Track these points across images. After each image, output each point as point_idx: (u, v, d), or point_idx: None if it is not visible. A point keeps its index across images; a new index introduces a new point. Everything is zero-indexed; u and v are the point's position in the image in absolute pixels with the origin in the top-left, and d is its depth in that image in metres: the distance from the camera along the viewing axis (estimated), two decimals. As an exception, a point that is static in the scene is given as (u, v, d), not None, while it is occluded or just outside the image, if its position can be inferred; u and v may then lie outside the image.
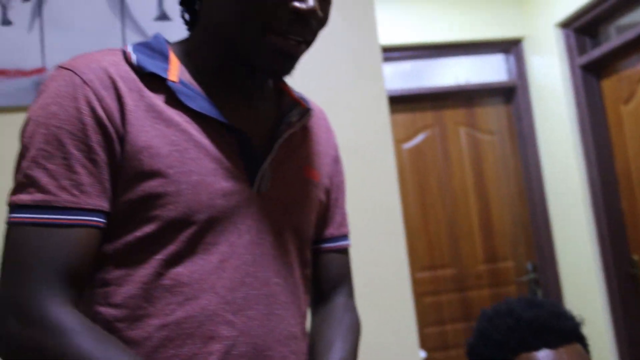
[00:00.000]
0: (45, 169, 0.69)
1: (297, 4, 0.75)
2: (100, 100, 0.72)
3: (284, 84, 0.94)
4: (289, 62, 0.80)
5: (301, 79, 1.96)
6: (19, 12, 1.84)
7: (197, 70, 0.82)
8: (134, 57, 0.77)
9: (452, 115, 3.55)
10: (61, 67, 0.75)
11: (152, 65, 0.77)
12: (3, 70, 1.80)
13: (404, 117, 3.48)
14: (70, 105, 0.71)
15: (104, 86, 0.73)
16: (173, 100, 0.77)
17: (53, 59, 1.82)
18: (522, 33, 3.54)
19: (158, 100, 0.76)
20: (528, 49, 3.52)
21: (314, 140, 0.93)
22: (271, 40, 0.76)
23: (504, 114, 3.61)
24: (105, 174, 0.72)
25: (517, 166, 3.57)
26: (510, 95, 3.60)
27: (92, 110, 0.71)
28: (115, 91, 0.73)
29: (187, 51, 0.84)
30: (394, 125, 3.45)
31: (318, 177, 0.91)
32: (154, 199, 0.72)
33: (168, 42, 0.85)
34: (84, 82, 0.72)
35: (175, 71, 0.79)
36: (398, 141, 3.44)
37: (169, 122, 0.75)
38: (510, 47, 3.59)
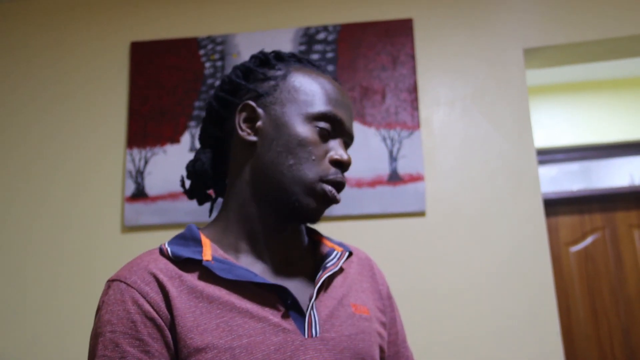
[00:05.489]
0: None
1: (337, 157, 0.90)
2: (144, 296, 0.81)
3: (320, 235, 1.04)
4: (328, 206, 0.92)
5: (457, 193, 2.07)
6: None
7: (231, 243, 0.92)
8: (169, 250, 0.87)
9: (625, 218, 3.40)
10: (109, 280, 0.86)
11: (186, 252, 0.87)
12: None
13: (571, 219, 3.41)
14: (120, 309, 0.80)
15: (146, 282, 0.82)
16: (211, 277, 0.85)
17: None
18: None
19: (197, 281, 0.84)
20: None
21: (359, 280, 1.01)
22: (324, 188, 0.89)
23: (686, 215, 3.39)
24: None
25: None
26: (693, 195, 3.37)
27: (139, 307, 0.80)
28: (157, 283, 0.82)
29: (218, 231, 0.94)
30: (561, 228, 3.39)
31: (368, 312, 0.96)
32: None
33: (199, 228, 0.96)
34: (129, 285, 0.82)
35: (208, 251, 0.88)
36: (565, 244, 3.36)
37: (210, 299, 0.83)
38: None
